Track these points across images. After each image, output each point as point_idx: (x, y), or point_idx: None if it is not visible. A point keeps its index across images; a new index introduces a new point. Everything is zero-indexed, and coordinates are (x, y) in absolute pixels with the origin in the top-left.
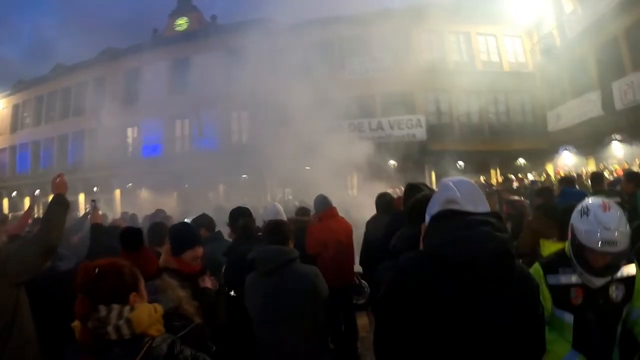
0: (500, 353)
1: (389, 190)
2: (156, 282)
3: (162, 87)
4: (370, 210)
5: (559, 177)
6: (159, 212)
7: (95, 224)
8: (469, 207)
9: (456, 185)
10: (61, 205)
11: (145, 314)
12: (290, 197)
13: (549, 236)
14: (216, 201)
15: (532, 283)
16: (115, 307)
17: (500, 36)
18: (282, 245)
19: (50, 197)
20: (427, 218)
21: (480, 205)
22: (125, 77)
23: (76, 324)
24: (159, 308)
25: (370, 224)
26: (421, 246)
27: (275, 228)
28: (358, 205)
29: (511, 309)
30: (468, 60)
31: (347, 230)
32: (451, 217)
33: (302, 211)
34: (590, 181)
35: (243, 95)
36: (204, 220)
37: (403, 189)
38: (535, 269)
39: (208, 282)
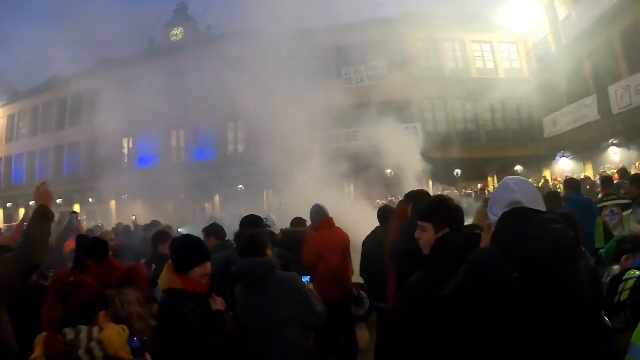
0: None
1: (389, 199)
2: (111, 292)
3: (158, 97)
4: (368, 220)
5: (556, 182)
6: (155, 223)
7: (80, 236)
8: (531, 206)
9: (517, 186)
10: (45, 218)
11: (115, 333)
12: (288, 207)
13: None
14: (210, 213)
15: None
16: (83, 328)
17: (496, 43)
18: (259, 257)
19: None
20: (492, 217)
21: (539, 205)
22: (121, 88)
23: (39, 340)
24: (126, 328)
25: (370, 235)
26: (484, 243)
27: (249, 242)
28: (355, 215)
29: (578, 297)
30: (463, 67)
31: (344, 241)
32: (523, 216)
33: (298, 221)
34: (601, 185)
35: (239, 105)
36: (213, 229)
37: (401, 198)
38: None
39: (219, 304)
